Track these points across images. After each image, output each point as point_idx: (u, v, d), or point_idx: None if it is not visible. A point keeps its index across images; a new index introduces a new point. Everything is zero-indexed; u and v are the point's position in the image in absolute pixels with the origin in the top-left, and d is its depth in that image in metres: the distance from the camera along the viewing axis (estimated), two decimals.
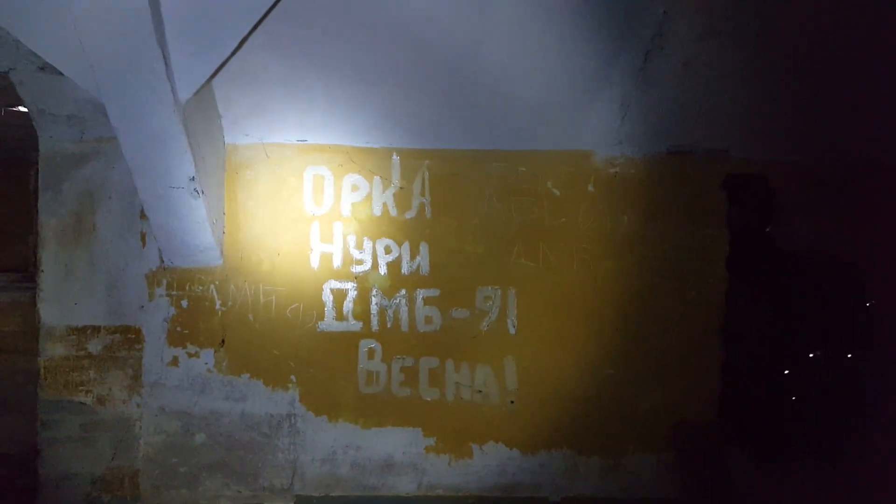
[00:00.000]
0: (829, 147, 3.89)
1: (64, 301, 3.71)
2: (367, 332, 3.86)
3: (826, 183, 3.93)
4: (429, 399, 3.87)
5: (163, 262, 3.75)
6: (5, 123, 4.53)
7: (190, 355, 3.78)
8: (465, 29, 3.20)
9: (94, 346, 3.73)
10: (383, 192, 3.90)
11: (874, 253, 3.90)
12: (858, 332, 3.90)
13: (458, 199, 3.89)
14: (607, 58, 3.37)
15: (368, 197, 3.90)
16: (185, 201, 3.30)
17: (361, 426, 3.84)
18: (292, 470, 3.82)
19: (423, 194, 3.90)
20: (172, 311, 3.77)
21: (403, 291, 3.88)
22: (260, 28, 3.05)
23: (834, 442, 3.85)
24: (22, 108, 3.98)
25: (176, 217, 3.39)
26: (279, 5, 2.84)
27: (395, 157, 3.90)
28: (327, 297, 3.85)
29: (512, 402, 3.88)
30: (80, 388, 3.71)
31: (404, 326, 3.87)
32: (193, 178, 3.21)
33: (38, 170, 3.73)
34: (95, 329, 3.73)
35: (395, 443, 3.85)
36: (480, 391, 3.88)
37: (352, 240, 3.87)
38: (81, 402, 3.71)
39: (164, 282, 3.77)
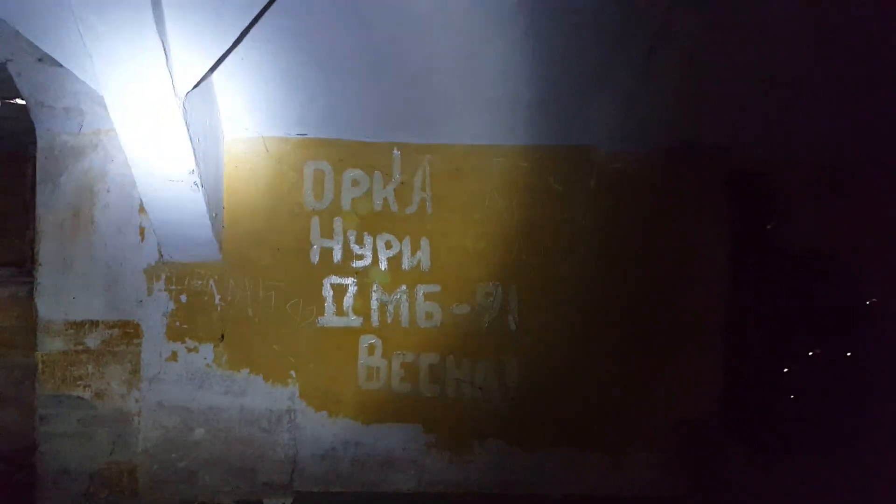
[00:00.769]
0: (830, 146, 3.89)
1: (62, 295, 3.68)
2: (367, 328, 3.85)
3: (827, 182, 3.93)
4: (429, 395, 3.86)
5: (162, 256, 3.73)
6: (2, 116, 4.50)
7: (189, 350, 3.77)
8: (467, 23, 3.18)
9: (93, 341, 3.70)
10: (384, 187, 3.88)
11: (874, 252, 3.92)
12: (858, 330, 3.90)
13: (460, 194, 3.88)
14: (611, 53, 3.36)
15: (369, 192, 3.88)
16: (185, 195, 3.28)
17: (362, 422, 3.83)
18: (292, 465, 3.81)
19: (424, 189, 3.88)
20: (171, 305, 3.75)
21: (404, 287, 3.87)
22: (260, 21, 3.03)
23: (834, 440, 3.86)
24: (20, 101, 3.95)
25: (175, 211, 3.37)
26: None
27: (396, 152, 3.88)
28: (327, 293, 3.84)
29: (512, 398, 3.88)
30: (79, 382, 3.69)
31: (405, 322, 3.86)
32: (193, 172, 3.19)
33: (35, 163, 3.70)
34: (94, 323, 3.71)
35: (395, 439, 3.84)
36: (481, 388, 3.87)
37: (352, 235, 3.86)
38: (80, 397, 3.69)
39: (163, 276, 3.75)
